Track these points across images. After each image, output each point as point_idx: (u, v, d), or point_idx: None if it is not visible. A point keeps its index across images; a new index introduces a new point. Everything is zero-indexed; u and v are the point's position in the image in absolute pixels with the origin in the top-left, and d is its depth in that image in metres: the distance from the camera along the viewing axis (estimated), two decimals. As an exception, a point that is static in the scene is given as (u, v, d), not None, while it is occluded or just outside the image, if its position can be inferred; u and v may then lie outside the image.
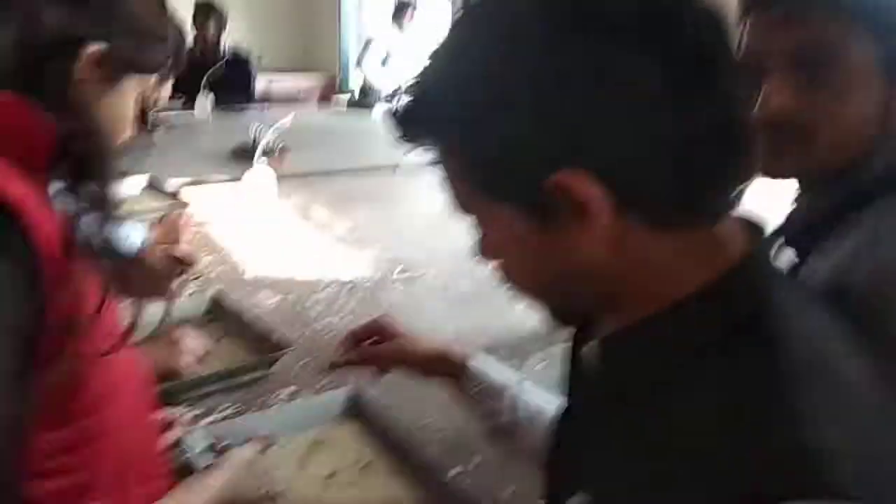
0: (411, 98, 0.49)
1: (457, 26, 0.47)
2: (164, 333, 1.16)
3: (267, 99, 5.32)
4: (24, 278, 0.52)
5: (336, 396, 1.09)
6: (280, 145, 2.73)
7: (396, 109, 0.50)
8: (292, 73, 6.02)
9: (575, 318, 0.57)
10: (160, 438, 0.79)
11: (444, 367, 0.84)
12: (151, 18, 0.68)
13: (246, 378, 1.19)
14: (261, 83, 5.34)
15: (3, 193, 0.51)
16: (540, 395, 0.80)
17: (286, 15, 6.25)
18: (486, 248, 0.52)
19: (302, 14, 6.35)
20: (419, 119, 0.49)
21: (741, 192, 0.47)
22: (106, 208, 0.62)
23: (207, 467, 0.79)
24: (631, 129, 0.42)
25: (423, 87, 0.48)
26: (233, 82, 4.07)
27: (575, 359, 0.59)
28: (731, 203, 0.47)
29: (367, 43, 4.85)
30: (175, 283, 1.29)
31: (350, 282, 1.67)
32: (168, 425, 1.01)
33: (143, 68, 0.68)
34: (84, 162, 0.60)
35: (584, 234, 0.44)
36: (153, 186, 2.28)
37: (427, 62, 0.48)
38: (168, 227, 1.78)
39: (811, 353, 0.44)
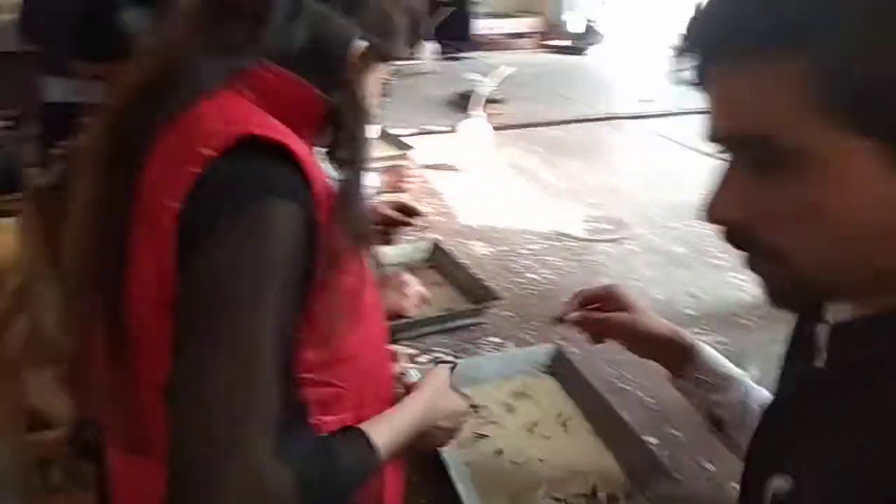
0: None
1: None
2: (391, 276, 1.30)
3: (486, 43, 5.42)
4: (306, 221, 0.62)
5: (540, 351, 1.14)
6: (496, 96, 2.80)
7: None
8: (513, 18, 6.03)
9: (808, 301, 0.51)
10: (391, 366, 0.89)
11: (668, 351, 0.84)
12: (396, 18, 0.75)
13: (458, 324, 1.29)
14: (481, 27, 5.45)
15: (293, 150, 0.62)
16: (763, 394, 0.78)
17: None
18: (751, 207, 0.46)
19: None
20: (779, 8, 0.42)
21: None
22: (360, 170, 0.71)
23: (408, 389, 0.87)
24: None
25: None
26: (452, 27, 4.20)
27: (796, 339, 0.58)
28: None
29: None
30: (400, 231, 1.42)
31: (560, 236, 1.70)
32: (393, 358, 1.15)
33: (390, 58, 0.77)
34: (347, 131, 0.70)
35: None
36: (385, 135, 2.48)
37: None
38: (395, 176, 1.94)
39: None
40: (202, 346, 0.57)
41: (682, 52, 0.48)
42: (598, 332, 0.90)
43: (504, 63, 3.72)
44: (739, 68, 0.45)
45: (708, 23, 0.47)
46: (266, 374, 0.58)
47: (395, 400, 0.81)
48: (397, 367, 1.12)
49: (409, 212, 1.40)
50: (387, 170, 2.12)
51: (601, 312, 0.89)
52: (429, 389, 0.85)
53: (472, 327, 1.29)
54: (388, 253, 1.49)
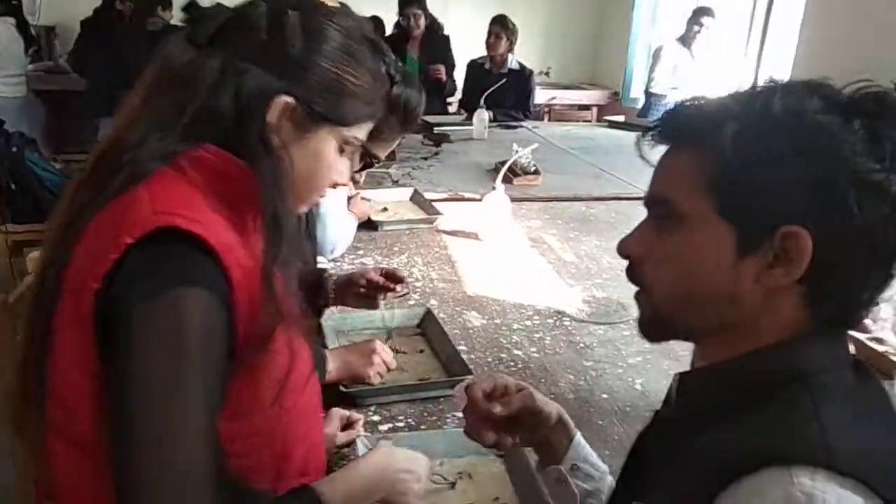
0: (696, 101, 0.63)
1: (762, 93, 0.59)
2: (361, 343, 1.33)
3: (546, 114, 5.50)
4: (221, 307, 0.65)
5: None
6: (532, 167, 2.84)
7: (676, 106, 0.65)
8: (577, 89, 6.12)
9: (666, 334, 0.68)
10: (320, 437, 0.89)
11: (553, 434, 0.86)
12: (350, 77, 0.75)
13: (427, 395, 1.30)
14: (543, 98, 5.55)
15: (208, 240, 0.65)
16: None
17: (578, 32, 6.36)
18: (639, 240, 0.65)
19: (594, 31, 6.41)
20: (696, 118, 0.61)
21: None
22: (280, 247, 0.71)
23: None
24: (858, 232, 0.56)
25: (712, 100, 0.62)
26: (512, 98, 4.30)
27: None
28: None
29: (656, 53, 4.74)
30: (384, 297, 1.46)
31: (557, 314, 1.69)
32: (349, 425, 1.17)
33: (337, 121, 0.76)
34: (266, 202, 0.70)
35: (760, 276, 0.58)
36: (416, 197, 2.55)
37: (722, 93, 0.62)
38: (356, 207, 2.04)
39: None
40: (126, 442, 0.62)
41: (645, 133, 0.67)
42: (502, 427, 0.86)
43: (557, 135, 3.79)
44: (672, 151, 0.64)
45: (669, 119, 0.65)
46: (186, 463, 0.61)
47: (328, 470, 0.84)
48: (350, 434, 1.15)
49: (394, 278, 1.44)
50: (354, 201, 2.16)
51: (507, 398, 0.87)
52: (376, 451, 0.88)
53: (440, 399, 1.30)
54: (380, 316, 1.53)
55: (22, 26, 4.58)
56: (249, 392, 0.71)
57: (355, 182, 1.35)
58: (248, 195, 0.71)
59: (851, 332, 1.43)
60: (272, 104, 0.71)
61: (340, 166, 0.80)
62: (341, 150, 0.79)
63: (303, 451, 0.80)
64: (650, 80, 4.74)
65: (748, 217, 0.58)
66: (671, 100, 4.25)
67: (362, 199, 2.28)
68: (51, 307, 0.68)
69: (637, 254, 0.65)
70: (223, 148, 0.71)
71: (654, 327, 0.67)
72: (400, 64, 1.28)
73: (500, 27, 4.26)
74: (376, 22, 4.71)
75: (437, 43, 4.44)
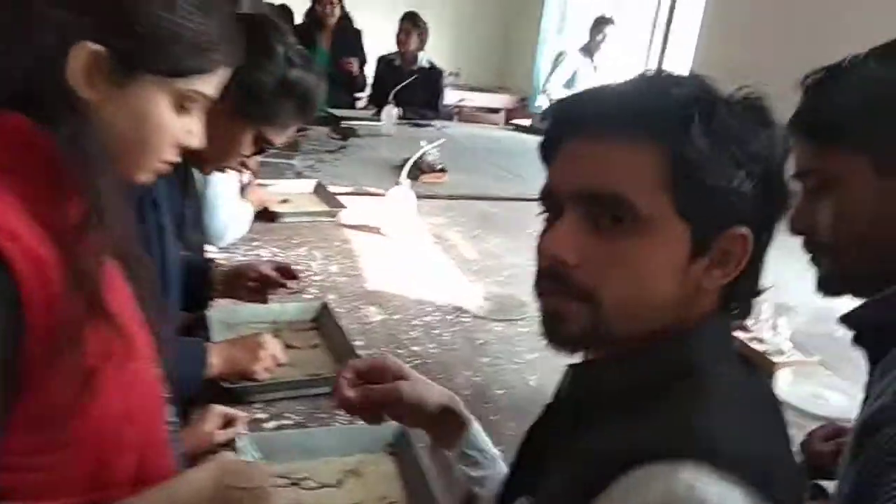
0: (627, 89, 0.59)
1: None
2: (247, 338, 1.25)
3: (456, 114, 5.52)
4: (4, 300, 0.55)
5: (382, 431, 1.09)
6: (439, 165, 2.82)
7: (605, 94, 0.61)
8: (487, 92, 6.19)
9: (601, 345, 0.61)
10: (156, 441, 0.76)
11: (441, 421, 0.81)
12: (174, 18, 0.64)
13: (317, 391, 1.24)
14: (453, 98, 5.57)
15: None
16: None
17: (488, 35, 6.44)
18: (580, 251, 0.57)
19: (503, 36, 6.50)
20: (656, 109, 0.56)
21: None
22: (87, 229, 0.60)
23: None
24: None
25: (653, 90, 0.58)
26: (422, 96, 4.28)
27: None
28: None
29: (557, 58, 4.83)
30: (275, 292, 1.39)
31: (456, 310, 1.67)
32: (229, 422, 1.09)
33: (160, 70, 0.64)
34: (77, 172, 0.60)
35: (707, 277, 0.58)
36: (319, 190, 2.47)
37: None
38: (256, 196, 2.01)
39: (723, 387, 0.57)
40: None
41: (544, 119, 0.63)
42: (372, 409, 0.81)
43: (465, 135, 3.80)
44: (605, 142, 0.57)
45: (584, 103, 0.61)
46: None
47: (169, 475, 0.74)
48: (229, 433, 1.07)
49: (287, 273, 1.38)
50: (250, 189, 2.09)
51: (374, 390, 0.79)
52: (212, 463, 0.77)
53: (331, 396, 1.25)
54: (269, 309, 1.46)
55: None
56: (45, 401, 0.60)
57: (247, 168, 1.27)
58: (56, 167, 0.60)
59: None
60: (73, 53, 0.59)
61: (182, 125, 0.69)
62: (180, 108, 0.68)
63: (132, 459, 0.69)
64: (546, 82, 4.82)
65: (706, 217, 0.56)
66: None
67: (259, 185, 2.18)
68: None
69: (571, 259, 0.57)
70: (15, 111, 0.60)
71: (585, 340, 0.60)
72: (300, 48, 1.22)
73: (411, 24, 4.24)
74: (285, 11, 4.58)
75: (348, 36, 4.35)
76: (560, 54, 4.82)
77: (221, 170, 1.23)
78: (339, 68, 4.14)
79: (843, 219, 0.77)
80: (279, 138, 1.21)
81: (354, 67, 4.24)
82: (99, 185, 0.61)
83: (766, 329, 1.51)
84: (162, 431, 0.75)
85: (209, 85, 0.69)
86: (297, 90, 1.16)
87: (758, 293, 0.63)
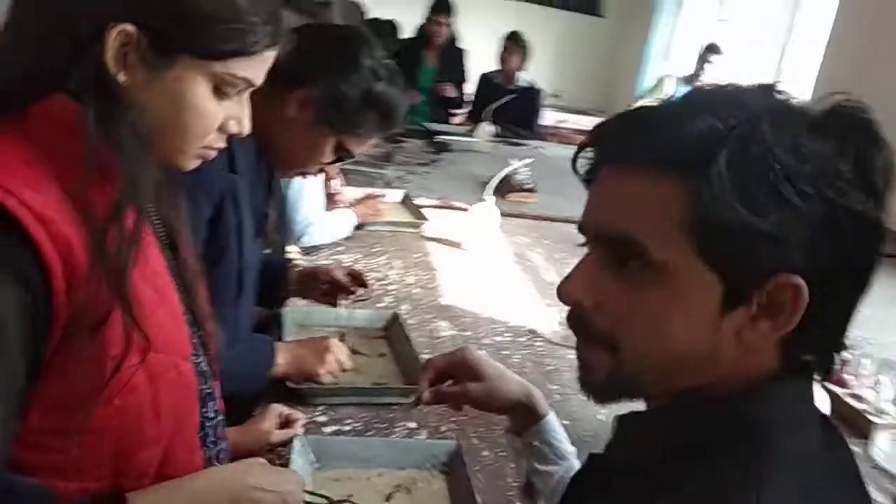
0: (659, 117, 0.52)
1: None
2: (315, 340, 1.27)
3: (552, 135, 5.48)
4: (28, 286, 0.56)
5: (437, 449, 1.07)
6: (528, 184, 2.79)
7: (631, 121, 0.53)
8: (587, 114, 6.10)
9: (623, 397, 0.56)
10: (192, 438, 0.77)
11: (517, 412, 0.86)
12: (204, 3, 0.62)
13: (379, 400, 1.24)
14: (552, 119, 5.53)
15: (13, 214, 0.55)
16: None
17: (593, 58, 6.36)
18: (599, 294, 0.52)
19: (608, 59, 6.40)
20: (678, 139, 0.48)
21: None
22: (122, 212, 0.60)
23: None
24: (850, 276, 0.49)
25: (685, 117, 0.49)
26: (519, 114, 4.27)
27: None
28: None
29: (656, 84, 4.69)
30: (346, 298, 1.40)
31: (529, 333, 1.63)
32: (288, 422, 1.11)
33: (196, 52, 0.63)
34: (122, 156, 0.60)
35: (742, 329, 0.49)
36: (406, 201, 2.49)
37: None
38: (367, 209, 2.06)
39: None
40: None
41: (584, 146, 0.56)
42: (454, 405, 0.89)
43: (560, 156, 3.75)
44: (626, 174, 0.51)
45: (619, 127, 0.54)
46: None
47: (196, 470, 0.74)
48: (283, 434, 1.08)
49: (357, 280, 1.39)
50: (359, 201, 2.13)
51: (455, 386, 0.85)
52: (240, 463, 0.77)
53: (394, 406, 1.24)
54: (346, 315, 1.47)
55: None
56: (66, 385, 0.61)
57: (326, 174, 1.30)
58: (92, 150, 0.60)
59: (829, 386, 1.38)
60: (109, 35, 0.58)
61: (223, 110, 0.67)
62: (218, 91, 0.66)
63: (156, 452, 0.69)
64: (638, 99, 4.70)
65: (737, 264, 0.48)
66: None
67: (375, 197, 2.21)
68: None
69: (587, 301, 0.52)
70: (64, 95, 0.60)
71: (612, 390, 0.55)
72: (387, 61, 1.23)
73: (513, 43, 4.26)
74: (391, 26, 4.70)
75: (453, 55, 4.41)
76: (660, 80, 4.68)
77: (302, 174, 1.26)
78: (437, 91, 4.22)
79: None
80: (359, 148, 1.22)
81: (450, 93, 4.29)
82: (133, 169, 0.61)
83: (865, 386, 1.38)
84: (193, 427, 0.75)
85: (250, 69, 0.66)
86: (381, 103, 1.17)
87: (837, 348, 0.53)
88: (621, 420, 0.58)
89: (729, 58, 4.42)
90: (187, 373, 0.72)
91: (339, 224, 1.99)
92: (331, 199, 2.07)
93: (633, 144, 0.51)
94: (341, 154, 1.21)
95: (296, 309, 1.49)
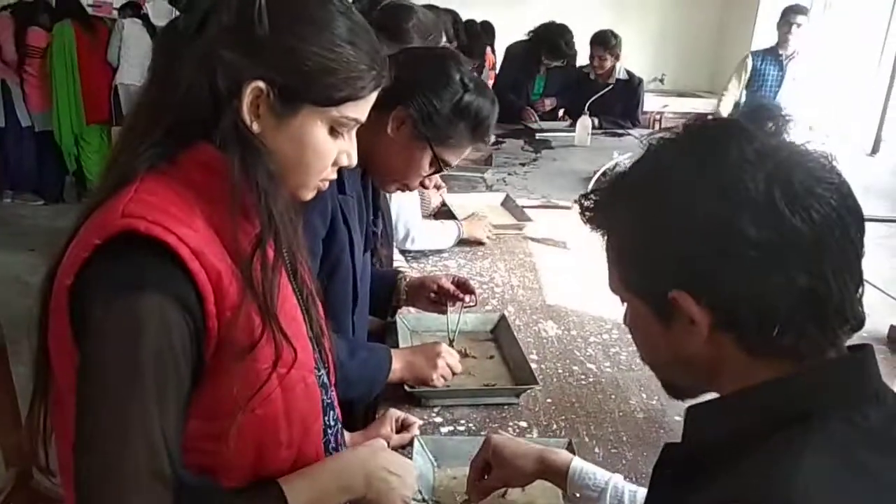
0: (600, 189, 0.65)
1: (660, 152, 0.61)
2: (427, 345, 1.34)
3: (657, 122, 5.33)
4: (185, 311, 0.65)
5: (552, 444, 1.11)
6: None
7: (588, 191, 0.67)
8: (692, 96, 5.89)
9: (683, 392, 0.68)
10: (318, 443, 0.85)
11: (547, 476, 0.97)
12: (325, 54, 0.70)
13: (491, 401, 1.30)
14: (656, 105, 5.38)
15: (172, 245, 0.64)
16: (637, 490, 0.92)
17: (698, 39, 6.12)
18: (626, 319, 0.68)
19: (716, 38, 6.14)
20: (596, 206, 0.65)
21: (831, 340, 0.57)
22: (265, 239, 0.69)
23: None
24: (743, 278, 0.55)
25: (612, 186, 0.64)
26: (619, 106, 4.18)
27: None
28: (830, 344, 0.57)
29: (742, 62, 4.40)
30: (453, 305, 1.47)
31: (637, 330, 1.63)
32: (404, 427, 1.18)
33: (316, 101, 0.72)
34: (256, 193, 0.69)
35: (690, 337, 0.59)
36: (507, 202, 2.53)
37: (631, 166, 0.63)
38: (473, 227, 2.04)
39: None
40: (77, 438, 0.64)
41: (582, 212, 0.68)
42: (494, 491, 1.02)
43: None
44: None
45: (584, 205, 0.68)
46: (131, 464, 0.62)
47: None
48: (401, 439, 1.16)
49: (464, 288, 1.45)
50: (467, 218, 2.17)
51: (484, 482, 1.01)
52: (365, 447, 0.88)
53: (505, 406, 1.30)
54: (454, 319, 1.54)
55: (148, 26, 5.06)
56: (217, 395, 0.70)
57: (425, 187, 1.37)
58: (235, 191, 0.69)
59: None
60: (245, 91, 0.69)
61: (338, 147, 0.77)
62: (333, 132, 0.75)
63: (289, 455, 0.78)
64: (727, 86, 4.45)
65: (645, 288, 0.62)
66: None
67: (479, 218, 2.23)
68: (48, 298, 0.71)
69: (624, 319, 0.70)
70: (210, 143, 0.70)
71: (667, 390, 0.70)
72: (474, 73, 1.29)
73: (602, 48, 4.07)
74: (486, 26, 4.73)
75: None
76: (744, 58, 4.41)
77: (403, 188, 1.33)
78: (536, 105, 4.24)
79: None
80: (455, 159, 1.28)
81: (547, 106, 4.29)
82: (271, 206, 0.70)
83: None
84: (317, 433, 0.84)
85: (360, 109, 0.76)
86: (471, 114, 1.22)
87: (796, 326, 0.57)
88: (688, 411, 0.65)
89: (831, 18, 4.07)
90: (312, 385, 0.81)
91: (439, 231, 2.05)
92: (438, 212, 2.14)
93: (585, 211, 0.67)
94: (438, 165, 1.28)
95: (408, 317, 1.58)
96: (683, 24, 6.06)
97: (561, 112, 4.41)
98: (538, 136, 3.86)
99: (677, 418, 1.29)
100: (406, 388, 1.28)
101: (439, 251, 2.05)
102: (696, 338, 0.59)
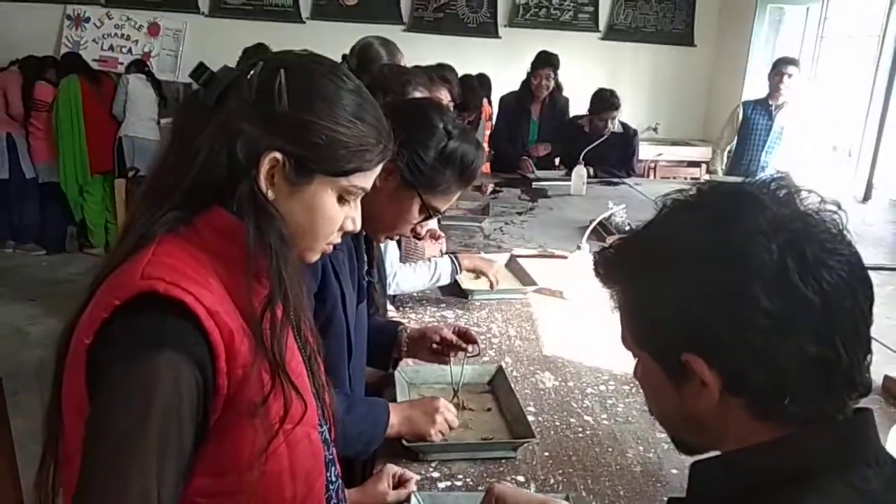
0: (615, 247, 0.69)
1: (673, 215, 0.65)
2: (425, 400, 1.35)
3: (652, 170, 5.40)
4: (199, 370, 0.67)
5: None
6: (627, 226, 2.79)
7: (601, 252, 0.71)
8: (685, 145, 5.99)
9: (690, 449, 0.70)
10: (320, 499, 0.86)
11: None
12: (338, 129, 0.76)
13: (488, 455, 1.30)
14: (650, 153, 5.47)
15: (189, 305, 0.67)
16: None
17: (689, 89, 6.25)
18: (637, 373, 0.71)
19: (706, 89, 6.28)
20: (612, 264, 0.69)
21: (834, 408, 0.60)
22: (275, 303, 0.73)
23: None
24: (756, 345, 0.57)
25: (628, 245, 0.68)
26: (615, 156, 4.24)
27: None
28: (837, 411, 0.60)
29: (732, 114, 4.52)
30: (455, 354, 1.48)
31: (633, 382, 1.64)
32: (401, 483, 1.19)
33: (328, 172, 0.77)
34: (268, 259, 0.72)
35: (700, 399, 0.62)
36: (511, 265, 2.40)
37: (643, 228, 0.67)
38: (472, 263, 2.07)
39: None
40: (79, 485, 0.65)
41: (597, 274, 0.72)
42: None
43: (660, 192, 3.69)
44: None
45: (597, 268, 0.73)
46: None
47: None
48: (397, 495, 1.16)
49: (466, 338, 1.47)
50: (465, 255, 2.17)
51: None
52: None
53: (503, 460, 1.30)
54: (452, 371, 1.55)
55: (153, 81, 5.20)
56: (226, 452, 0.72)
57: (417, 234, 1.40)
58: (248, 254, 0.73)
59: None
60: (262, 161, 0.73)
61: (344, 214, 0.81)
62: (341, 199, 0.80)
63: None
64: (720, 136, 4.59)
65: (658, 349, 0.64)
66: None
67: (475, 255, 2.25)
68: (64, 356, 0.73)
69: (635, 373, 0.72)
70: (224, 208, 0.74)
71: (675, 444, 0.73)
72: (458, 120, 1.33)
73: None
74: (483, 79, 4.85)
75: (557, 105, 4.45)
76: (737, 106, 4.52)
77: (393, 237, 1.35)
78: (530, 151, 4.32)
79: None
80: (443, 205, 1.31)
81: (541, 152, 4.38)
82: (282, 269, 0.74)
83: None
84: (320, 490, 0.85)
85: (367, 179, 0.82)
86: (457, 160, 1.26)
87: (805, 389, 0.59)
88: (693, 467, 0.67)
89: (819, 72, 4.18)
90: (316, 441, 0.83)
91: (425, 269, 2.03)
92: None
93: (598, 275, 0.72)
94: (428, 213, 1.31)
95: (406, 369, 1.58)
96: (676, 75, 6.20)
97: (557, 161, 4.48)
98: (535, 185, 3.92)
99: (674, 472, 1.29)
100: (404, 442, 1.28)
101: (437, 301, 2.07)
102: (706, 400, 0.61)
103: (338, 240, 0.84)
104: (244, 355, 0.71)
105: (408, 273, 1.99)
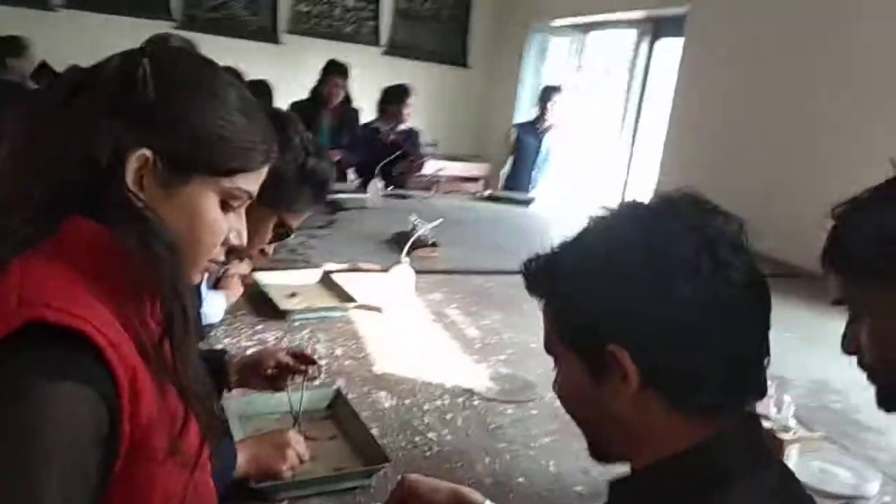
0: (545, 257, 0.73)
1: (602, 222, 0.71)
2: (272, 434, 1.25)
3: (435, 185, 5.64)
4: (101, 403, 0.58)
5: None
6: (431, 239, 2.87)
7: (529, 261, 0.75)
8: (462, 161, 6.34)
9: (606, 454, 0.75)
10: None
11: None
12: (217, 122, 0.68)
13: (343, 486, 1.24)
14: (432, 168, 5.70)
15: (86, 332, 0.57)
16: None
17: (464, 108, 6.63)
18: (556, 383, 0.74)
19: (479, 108, 6.71)
20: (540, 273, 0.73)
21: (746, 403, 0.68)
22: (180, 320, 0.64)
23: None
24: (675, 335, 0.63)
25: (560, 252, 0.72)
26: (405, 161, 4.39)
27: None
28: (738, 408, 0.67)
29: (507, 134, 4.99)
30: (293, 379, 1.39)
31: (466, 393, 1.69)
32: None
33: (207, 170, 0.68)
34: (148, 273, 0.63)
35: (618, 394, 0.66)
36: (325, 281, 2.34)
37: (573, 239, 0.72)
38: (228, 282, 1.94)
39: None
40: None
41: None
42: None
43: (451, 207, 3.87)
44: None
45: (525, 276, 0.78)
46: None
47: None
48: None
49: (304, 359, 1.39)
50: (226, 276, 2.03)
51: None
52: None
53: (357, 490, 1.25)
54: (285, 399, 1.45)
55: None
56: (131, 499, 0.63)
57: (265, 255, 1.30)
58: (125, 269, 0.63)
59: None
60: (129, 161, 0.64)
61: (227, 223, 0.72)
62: (225, 205, 0.72)
63: None
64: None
65: (585, 344, 0.68)
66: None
67: (238, 276, 2.04)
68: None
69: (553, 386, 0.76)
70: (85, 218, 0.64)
71: (591, 451, 0.76)
72: (311, 136, 1.27)
73: (408, 96, 4.45)
74: (262, 85, 4.67)
75: (348, 115, 4.49)
76: (511, 128, 5.01)
77: (244, 258, 1.25)
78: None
79: (880, 344, 0.78)
80: (297, 223, 1.26)
81: (337, 156, 4.33)
82: (175, 287, 0.64)
83: (771, 405, 1.55)
84: None
85: (252, 182, 0.74)
86: (314, 177, 1.21)
87: (715, 388, 0.65)
88: (612, 486, 0.72)
89: (579, 96, 4.75)
90: (208, 481, 0.75)
91: (220, 307, 1.90)
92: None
93: (527, 283, 0.77)
94: (280, 231, 1.23)
95: (233, 401, 1.45)
96: (452, 94, 6.54)
97: (352, 174, 4.50)
98: (330, 197, 3.86)
99: (521, 479, 1.34)
100: (252, 484, 1.17)
101: (252, 325, 1.94)
102: (625, 394, 0.65)
103: (221, 257, 0.74)
104: (149, 395, 0.61)
105: (212, 300, 1.83)
